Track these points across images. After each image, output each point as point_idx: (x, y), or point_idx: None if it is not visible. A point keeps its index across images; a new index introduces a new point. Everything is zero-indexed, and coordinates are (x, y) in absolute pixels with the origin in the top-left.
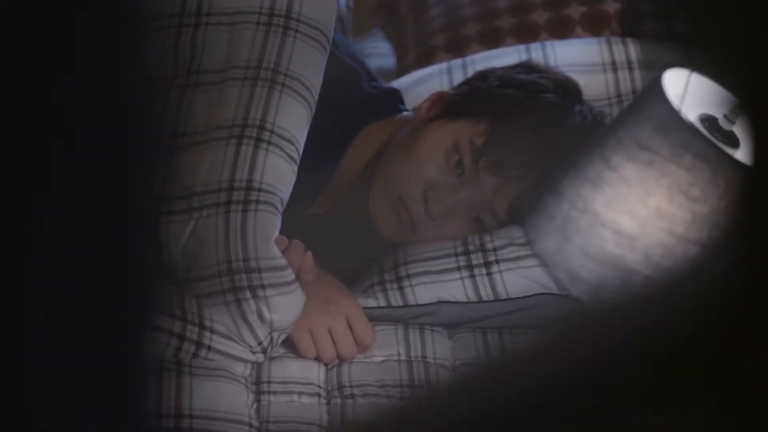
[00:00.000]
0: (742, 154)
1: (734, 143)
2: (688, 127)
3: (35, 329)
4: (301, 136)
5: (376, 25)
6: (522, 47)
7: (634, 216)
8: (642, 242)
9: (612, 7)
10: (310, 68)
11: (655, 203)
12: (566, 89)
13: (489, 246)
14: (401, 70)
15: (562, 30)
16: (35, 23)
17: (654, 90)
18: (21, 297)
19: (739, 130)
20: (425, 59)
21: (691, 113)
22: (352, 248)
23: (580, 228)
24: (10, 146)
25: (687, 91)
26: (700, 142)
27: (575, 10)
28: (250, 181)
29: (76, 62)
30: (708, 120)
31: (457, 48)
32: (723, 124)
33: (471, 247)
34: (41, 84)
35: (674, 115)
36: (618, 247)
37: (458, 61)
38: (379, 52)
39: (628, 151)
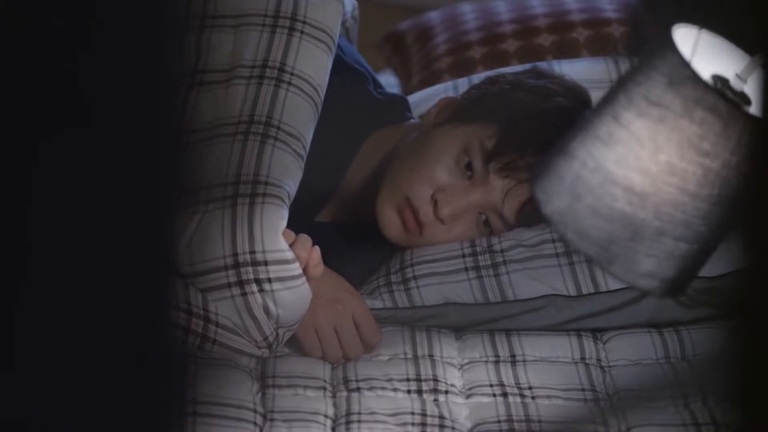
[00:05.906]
0: (753, 111)
1: (746, 102)
2: (699, 80)
3: (43, 322)
4: (308, 134)
5: (382, 60)
6: (528, 66)
7: (645, 173)
8: (652, 199)
9: (617, 31)
10: (315, 68)
11: (666, 159)
12: (576, 94)
13: (497, 247)
14: (406, 93)
15: (567, 53)
16: (54, 21)
17: (664, 43)
18: (35, 293)
19: (750, 88)
20: (430, 81)
21: (702, 72)
22: (358, 257)
23: (591, 186)
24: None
25: (697, 47)
26: (711, 96)
27: (580, 34)
28: (257, 175)
29: (91, 57)
30: (719, 80)
31: (463, 70)
32: (735, 83)
33: (479, 249)
34: (55, 75)
35: (685, 67)
36: (629, 205)
37: (464, 80)
38: (385, 84)
39: (639, 108)
